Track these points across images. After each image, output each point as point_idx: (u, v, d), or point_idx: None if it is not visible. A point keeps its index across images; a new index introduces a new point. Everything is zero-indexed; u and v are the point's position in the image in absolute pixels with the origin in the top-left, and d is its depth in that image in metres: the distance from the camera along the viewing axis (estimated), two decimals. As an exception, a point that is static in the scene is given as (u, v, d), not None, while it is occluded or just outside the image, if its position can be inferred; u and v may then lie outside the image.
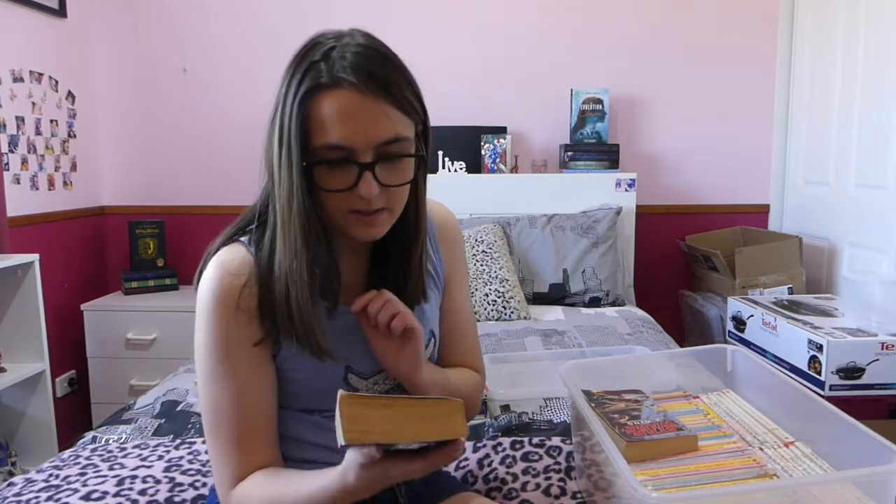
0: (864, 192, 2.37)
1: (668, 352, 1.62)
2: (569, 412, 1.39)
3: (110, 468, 1.23)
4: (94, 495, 1.12)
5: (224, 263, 0.86)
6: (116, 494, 1.13)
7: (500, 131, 2.81)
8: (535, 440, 1.29)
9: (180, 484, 1.17)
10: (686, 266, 2.96)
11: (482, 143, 2.76)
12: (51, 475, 1.21)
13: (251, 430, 0.87)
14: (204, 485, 1.17)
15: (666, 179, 2.97)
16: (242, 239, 0.90)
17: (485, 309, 2.30)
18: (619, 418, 1.01)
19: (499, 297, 2.31)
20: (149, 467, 1.23)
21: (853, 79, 2.41)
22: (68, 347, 2.73)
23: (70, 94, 2.80)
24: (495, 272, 2.36)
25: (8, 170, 2.44)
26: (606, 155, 2.74)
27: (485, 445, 1.29)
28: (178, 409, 1.53)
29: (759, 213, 2.98)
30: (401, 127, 0.81)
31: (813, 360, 1.84)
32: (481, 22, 2.91)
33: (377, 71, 0.79)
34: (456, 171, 2.78)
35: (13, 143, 2.47)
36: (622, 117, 2.92)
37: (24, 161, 2.53)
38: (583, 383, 1.12)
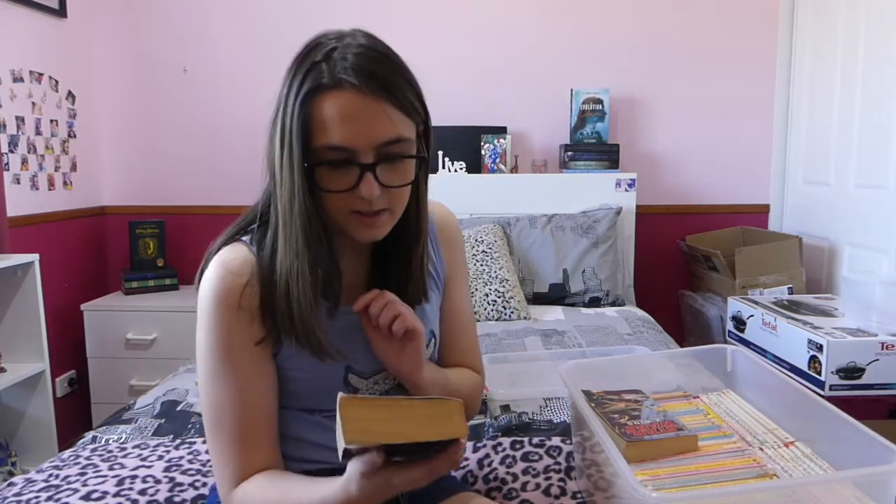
0: (864, 192, 2.37)
1: (668, 352, 1.62)
2: (569, 412, 1.39)
3: (110, 468, 1.23)
4: (94, 495, 1.12)
5: (226, 263, 0.86)
6: (116, 494, 1.13)
7: (500, 131, 2.81)
8: (535, 440, 1.29)
9: (180, 484, 1.17)
10: (686, 266, 2.96)
11: (482, 143, 2.76)
12: (51, 475, 1.21)
13: (252, 429, 0.87)
14: (204, 485, 1.17)
15: (666, 179, 2.97)
16: (244, 238, 0.90)
17: (485, 309, 2.30)
18: (619, 418, 1.01)
19: (499, 297, 2.31)
20: (149, 467, 1.23)
21: (853, 79, 2.41)
22: (68, 347, 2.73)
23: (70, 94, 2.80)
24: (495, 272, 2.36)
25: (8, 170, 2.44)
26: (606, 155, 2.74)
27: (485, 445, 1.29)
28: (178, 409, 1.53)
29: (759, 213, 2.98)
30: (402, 128, 0.81)
31: (813, 360, 1.84)
32: (481, 22, 2.91)
33: (378, 71, 0.79)
34: (456, 171, 2.78)
35: (13, 143, 2.47)
36: (622, 117, 2.92)
37: (24, 161, 2.53)
38: (583, 383, 1.12)
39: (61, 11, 2.72)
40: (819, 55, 2.65)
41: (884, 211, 2.25)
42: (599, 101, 2.76)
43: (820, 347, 1.80)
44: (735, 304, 2.27)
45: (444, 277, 1.04)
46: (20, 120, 2.50)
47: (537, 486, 1.14)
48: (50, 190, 2.68)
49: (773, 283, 2.49)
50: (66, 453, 1.31)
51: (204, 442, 1.34)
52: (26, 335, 2.24)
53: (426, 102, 0.86)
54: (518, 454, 1.24)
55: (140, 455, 1.28)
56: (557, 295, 2.51)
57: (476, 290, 2.32)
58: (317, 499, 0.78)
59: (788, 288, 2.49)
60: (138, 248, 2.88)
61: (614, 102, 2.86)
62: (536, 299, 2.51)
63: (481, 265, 2.38)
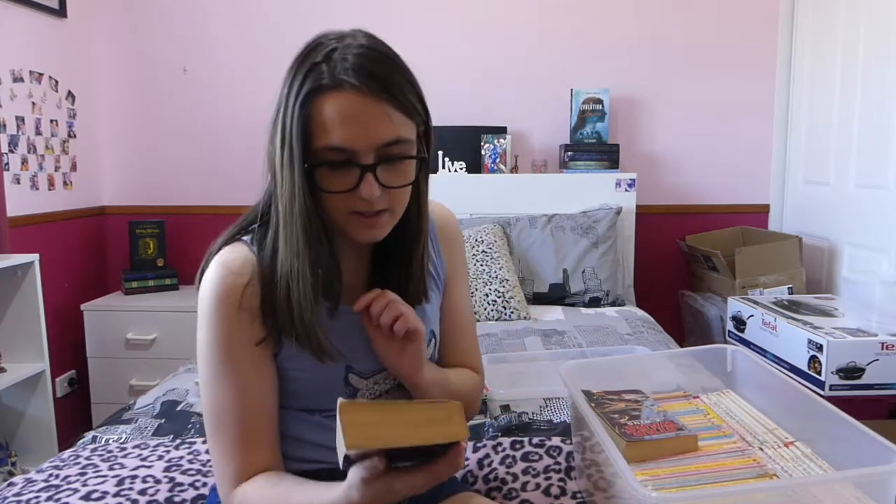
0: (864, 192, 2.37)
1: (668, 352, 1.62)
2: (569, 412, 1.39)
3: (110, 468, 1.23)
4: (94, 495, 1.12)
5: (226, 262, 0.86)
6: (116, 494, 1.13)
7: (500, 131, 2.81)
8: (535, 440, 1.29)
9: (180, 484, 1.17)
10: (686, 266, 2.96)
11: (482, 143, 2.76)
12: (51, 475, 1.21)
13: (253, 429, 0.87)
14: (204, 485, 1.17)
15: (666, 179, 2.97)
16: (245, 238, 0.90)
17: (485, 309, 2.30)
18: (619, 418, 1.01)
19: (499, 297, 2.31)
20: (149, 467, 1.23)
21: (853, 79, 2.41)
22: (68, 347, 2.73)
23: (70, 94, 2.80)
24: (495, 272, 2.36)
25: (8, 170, 2.44)
26: (606, 155, 2.74)
27: (485, 445, 1.29)
28: (178, 409, 1.53)
29: (759, 213, 2.98)
30: (402, 128, 0.81)
31: (813, 360, 1.84)
32: (481, 22, 2.91)
33: (378, 72, 0.79)
34: (456, 171, 2.78)
35: (13, 143, 2.47)
36: (622, 117, 2.92)
37: (24, 161, 2.53)
38: (583, 383, 1.12)
39: (61, 11, 2.72)
40: (819, 55, 2.65)
41: (884, 211, 2.25)
42: (599, 101, 2.76)
43: (820, 347, 1.80)
44: (735, 304, 2.27)
45: (445, 277, 1.05)
46: (20, 120, 2.50)
47: (537, 486, 1.14)
48: (50, 190, 2.68)
49: (773, 283, 2.49)
50: (66, 453, 1.31)
51: (204, 442, 1.34)
52: (26, 335, 2.24)
53: (427, 103, 0.86)
54: (518, 454, 1.24)
55: (140, 455, 1.28)
56: (557, 295, 2.51)
57: (476, 290, 2.32)
58: None
59: (788, 288, 2.49)
60: (138, 248, 2.88)
61: (614, 102, 2.86)
62: (536, 299, 2.51)
63: (481, 265, 2.38)
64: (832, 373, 1.79)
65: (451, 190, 2.55)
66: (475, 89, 2.93)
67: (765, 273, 2.50)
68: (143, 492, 1.14)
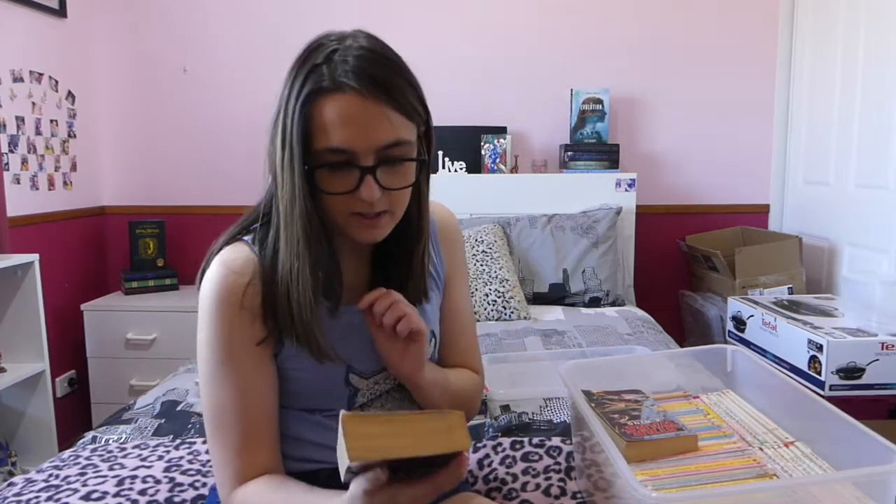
0: (864, 192, 2.37)
1: (668, 352, 1.62)
2: (569, 412, 1.39)
3: (110, 468, 1.23)
4: (94, 495, 1.12)
5: (227, 262, 0.86)
6: (116, 494, 1.13)
7: (500, 131, 2.81)
8: (535, 440, 1.29)
9: (180, 484, 1.17)
10: (686, 266, 2.96)
11: (482, 143, 2.76)
12: (51, 475, 1.21)
13: (253, 429, 0.87)
14: (204, 485, 1.17)
15: (666, 179, 2.97)
16: (246, 238, 0.90)
17: (485, 309, 2.30)
18: (619, 418, 1.01)
19: (499, 297, 2.31)
20: (149, 467, 1.23)
21: (853, 79, 2.41)
22: (68, 347, 2.73)
23: (70, 94, 2.80)
24: (495, 272, 2.36)
25: (8, 170, 2.44)
26: (606, 155, 2.74)
27: (485, 445, 1.29)
28: (178, 409, 1.53)
29: (759, 213, 2.98)
30: (402, 130, 0.81)
31: (813, 360, 1.84)
32: (481, 22, 2.91)
33: (379, 74, 0.79)
34: (456, 171, 2.78)
35: (13, 143, 2.47)
36: (622, 117, 2.92)
37: (24, 161, 2.53)
38: (583, 383, 1.12)
39: (61, 11, 2.72)
40: (819, 55, 2.65)
41: (884, 211, 2.25)
42: (599, 101, 2.76)
43: (820, 347, 1.80)
44: (735, 304, 2.27)
45: (445, 277, 1.05)
46: (20, 120, 2.50)
47: (537, 486, 1.14)
48: (50, 190, 2.68)
49: (773, 283, 2.49)
50: (66, 453, 1.31)
51: (204, 442, 1.34)
52: (26, 335, 2.24)
53: (427, 104, 0.86)
54: (518, 454, 1.24)
55: (140, 455, 1.28)
56: (557, 295, 2.51)
57: (476, 290, 2.32)
58: None
59: (788, 288, 2.49)
60: (138, 248, 2.88)
61: (614, 102, 2.86)
62: (536, 299, 2.51)
63: (481, 265, 2.38)
64: (832, 373, 1.79)
65: (451, 190, 2.54)
66: (475, 89, 2.93)
67: (765, 273, 2.50)
68: (143, 492, 1.14)
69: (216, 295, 0.85)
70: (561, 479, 1.15)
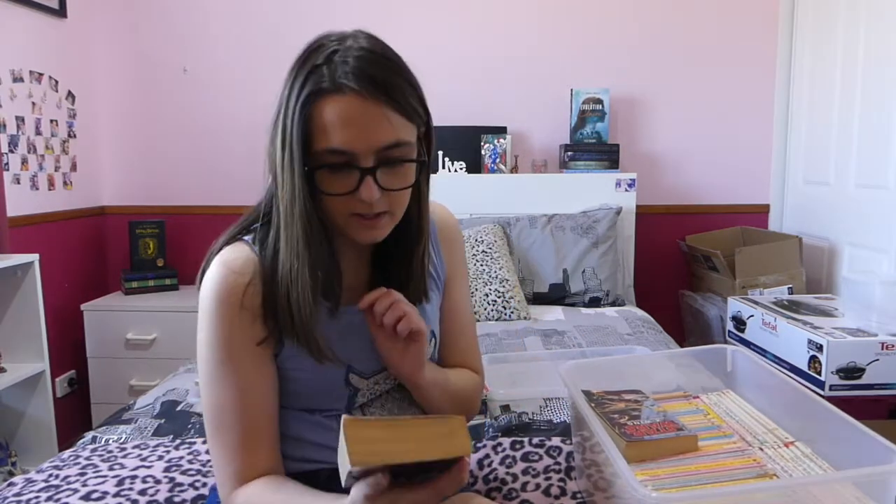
0: (864, 192, 2.37)
1: (668, 352, 1.62)
2: (569, 412, 1.39)
3: (110, 468, 1.23)
4: (94, 495, 1.12)
5: (228, 262, 0.86)
6: (116, 494, 1.13)
7: (500, 131, 2.81)
8: (535, 440, 1.29)
9: (180, 484, 1.17)
10: (686, 266, 2.96)
11: (482, 143, 2.76)
12: (51, 475, 1.21)
13: (254, 429, 0.87)
14: (204, 485, 1.17)
15: (666, 179, 2.97)
16: (246, 238, 0.90)
17: (485, 309, 2.30)
18: (619, 418, 1.01)
19: (499, 297, 2.31)
20: (149, 467, 1.23)
21: (853, 79, 2.41)
22: (68, 347, 2.73)
23: (70, 94, 2.80)
24: (495, 272, 2.36)
25: (8, 170, 2.44)
26: (606, 155, 2.74)
27: (485, 445, 1.29)
28: (178, 409, 1.53)
29: (759, 213, 2.98)
30: (402, 132, 0.81)
31: (813, 360, 1.84)
32: (481, 22, 2.91)
33: (379, 76, 0.79)
34: (456, 171, 2.78)
35: (13, 143, 2.47)
36: (622, 117, 2.92)
37: (24, 161, 2.53)
38: (583, 383, 1.12)
39: (61, 11, 2.72)
40: (819, 55, 2.65)
41: (884, 211, 2.25)
42: (599, 101, 2.76)
43: (820, 347, 1.80)
44: (735, 304, 2.27)
45: (445, 278, 1.05)
46: (20, 120, 2.50)
47: (537, 486, 1.14)
48: (50, 190, 2.68)
49: (773, 283, 2.49)
50: (66, 453, 1.31)
51: (204, 442, 1.34)
52: (26, 335, 2.24)
53: (428, 104, 0.86)
54: (518, 454, 1.24)
55: (140, 455, 1.28)
56: (557, 295, 2.51)
57: (476, 290, 2.32)
58: None
59: (788, 288, 2.49)
60: (138, 248, 2.88)
61: (614, 102, 2.86)
62: (536, 299, 2.51)
63: (481, 265, 2.38)
64: (832, 373, 1.79)
65: (451, 190, 2.54)
66: (475, 89, 2.93)
67: (765, 273, 2.50)
68: (143, 492, 1.14)
69: (216, 295, 0.85)
70: (561, 479, 1.15)
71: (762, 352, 2.10)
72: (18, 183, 2.50)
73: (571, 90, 2.77)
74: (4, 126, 2.42)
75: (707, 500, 0.85)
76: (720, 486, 0.87)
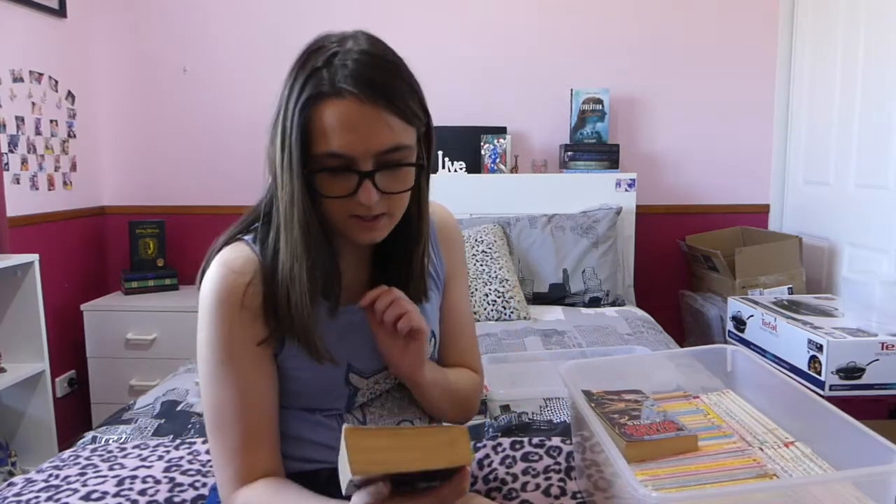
0: (864, 192, 2.37)
1: (668, 352, 1.62)
2: (569, 412, 1.39)
3: (110, 468, 1.23)
4: (94, 495, 1.12)
5: (228, 262, 0.86)
6: (116, 494, 1.13)
7: (500, 131, 2.81)
8: (535, 440, 1.29)
9: (180, 484, 1.17)
10: (686, 266, 2.96)
11: (482, 143, 2.76)
12: (51, 475, 1.21)
13: (254, 429, 0.87)
14: (204, 485, 1.17)
15: (666, 179, 2.97)
16: (247, 238, 0.90)
17: (485, 309, 2.30)
18: (619, 418, 1.01)
19: (499, 297, 2.31)
20: (149, 467, 1.23)
21: (853, 79, 2.41)
22: (68, 347, 2.73)
23: (70, 94, 2.80)
24: (495, 272, 2.36)
25: (8, 170, 2.44)
26: (606, 155, 2.74)
27: (485, 445, 1.29)
28: (178, 409, 1.53)
29: (759, 213, 2.98)
30: (402, 135, 0.81)
31: (813, 360, 1.84)
32: (481, 22, 2.91)
33: (378, 79, 0.78)
34: (456, 171, 2.78)
35: (13, 143, 2.47)
36: (622, 117, 2.92)
37: (24, 161, 2.53)
38: (583, 383, 1.12)
39: (61, 11, 2.72)
40: (819, 55, 2.65)
41: (884, 211, 2.25)
42: (599, 101, 2.76)
43: (820, 347, 1.80)
44: (735, 304, 2.27)
45: (444, 278, 1.05)
46: (20, 120, 2.50)
47: (537, 486, 1.14)
48: (50, 190, 2.68)
49: (773, 283, 2.49)
50: (66, 453, 1.31)
51: (204, 442, 1.34)
52: (26, 335, 2.24)
53: (428, 106, 0.86)
54: (518, 454, 1.24)
55: (140, 455, 1.28)
56: (557, 295, 2.51)
57: (476, 290, 2.32)
58: None
59: (788, 288, 2.49)
60: (138, 248, 2.88)
61: (614, 102, 2.86)
62: (536, 299, 2.51)
63: (481, 265, 2.38)
64: (832, 373, 1.79)
65: (451, 190, 2.55)
66: (475, 89, 2.93)
67: (765, 273, 2.50)
68: (142, 492, 1.14)
69: (216, 295, 0.85)
70: (561, 479, 1.15)
71: (762, 352, 2.10)
72: (18, 183, 2.50)
73: (571, 90, 2.77)
74: (4, 126, 2.42)
75: (707, 500, 0.85)
76: (720, 486, 0.87)
